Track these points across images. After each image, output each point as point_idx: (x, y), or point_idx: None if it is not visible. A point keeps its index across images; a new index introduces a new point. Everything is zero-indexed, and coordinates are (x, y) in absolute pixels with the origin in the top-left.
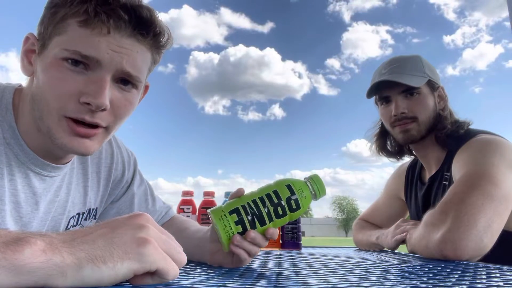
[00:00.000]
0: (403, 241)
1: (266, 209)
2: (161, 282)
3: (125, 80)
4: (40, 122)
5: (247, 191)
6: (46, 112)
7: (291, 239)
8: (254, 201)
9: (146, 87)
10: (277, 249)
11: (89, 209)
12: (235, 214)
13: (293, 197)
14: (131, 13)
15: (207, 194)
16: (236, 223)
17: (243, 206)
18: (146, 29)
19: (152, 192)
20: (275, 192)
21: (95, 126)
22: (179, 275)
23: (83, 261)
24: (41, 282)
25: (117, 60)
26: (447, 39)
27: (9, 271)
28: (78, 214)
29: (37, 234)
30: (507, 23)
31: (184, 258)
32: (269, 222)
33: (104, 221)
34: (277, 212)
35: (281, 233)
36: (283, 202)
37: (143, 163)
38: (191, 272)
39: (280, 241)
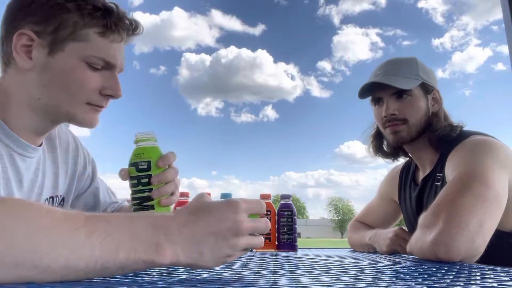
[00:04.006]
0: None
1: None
2: None
3: None
4: (54, 107)
5: (243, 192)
6: (71, 101)
7: (287, 240)
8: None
9: None
10: (273, 250)
11: (59, 195)
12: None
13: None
14: (132, 24)
15: None
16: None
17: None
18: (136, 34)
19: (109, 187)
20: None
21: None
22: (176, 277)
23: (189, 260)
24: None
25: (121, 61)
26: (436, 42)
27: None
28: (52, 197)
29: (165, 237)
30: (495, 27)
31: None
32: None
33: (205, 215)
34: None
35: (277, 235)
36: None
37: None
38: (188, 272)
39: (276, 243)
